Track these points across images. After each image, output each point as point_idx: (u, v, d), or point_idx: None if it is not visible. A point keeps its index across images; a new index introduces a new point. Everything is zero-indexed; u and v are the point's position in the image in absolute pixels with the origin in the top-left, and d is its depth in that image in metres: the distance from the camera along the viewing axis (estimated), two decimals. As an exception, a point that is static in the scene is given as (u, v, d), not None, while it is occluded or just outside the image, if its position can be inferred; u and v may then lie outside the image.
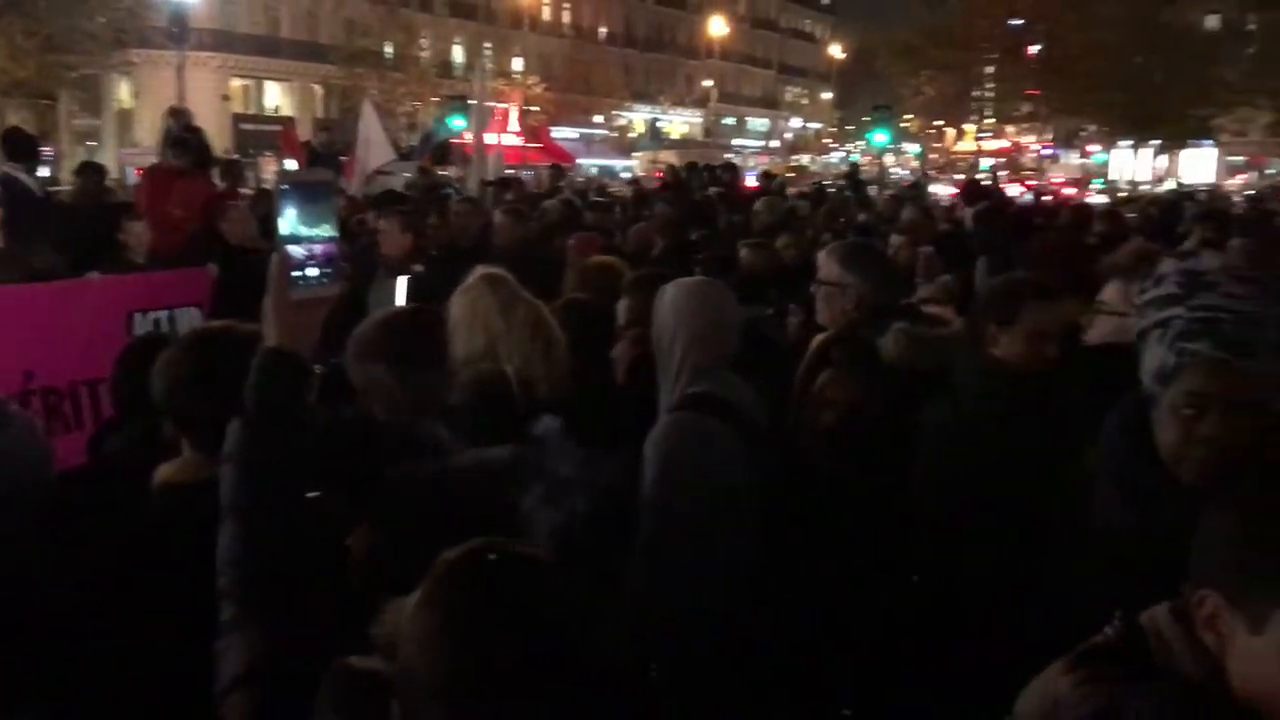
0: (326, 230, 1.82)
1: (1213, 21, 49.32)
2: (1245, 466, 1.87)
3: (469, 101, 18.67)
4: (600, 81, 55.93)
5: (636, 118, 62.22)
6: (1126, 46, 41.36)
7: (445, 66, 49.16)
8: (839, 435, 3.41)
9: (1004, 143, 63.15)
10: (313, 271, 1.80)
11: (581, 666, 1.28)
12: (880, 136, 27.09)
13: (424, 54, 48.01)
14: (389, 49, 45.81)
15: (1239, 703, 1.39)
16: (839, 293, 3.59)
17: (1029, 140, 58.50)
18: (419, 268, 5.76)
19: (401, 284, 5.08)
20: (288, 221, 1.79)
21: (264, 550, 1.72)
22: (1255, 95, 40.01)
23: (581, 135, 51.38)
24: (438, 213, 8.91)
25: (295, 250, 1.79)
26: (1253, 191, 30.95)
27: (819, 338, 3.71)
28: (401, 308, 3.24)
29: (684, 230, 7.24)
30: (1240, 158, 62.33)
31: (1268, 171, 59.35)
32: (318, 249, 1.81)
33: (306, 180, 1.87)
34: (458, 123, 18.57)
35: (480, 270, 3.78)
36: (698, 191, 12.21)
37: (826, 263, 3.67)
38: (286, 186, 1.81)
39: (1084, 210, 9.11)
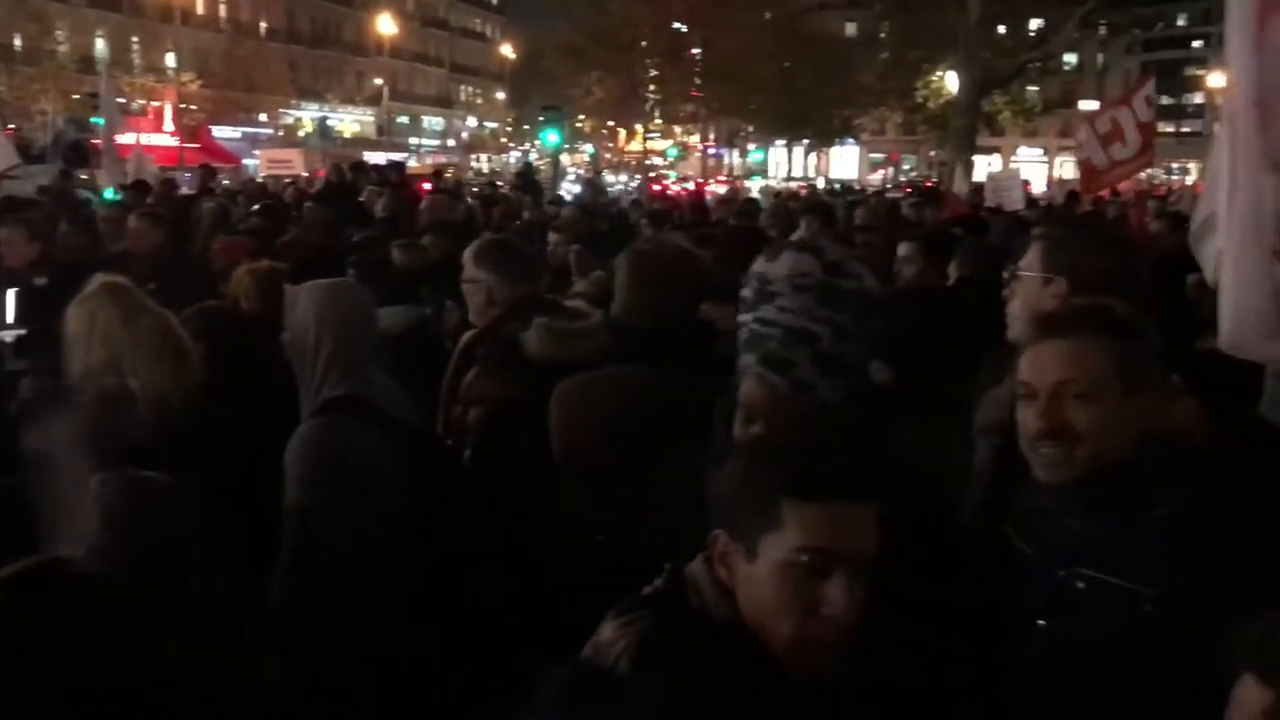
0: None
1: (850, 29, 53.69)
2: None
3: (118, 100, 17.24)
4: (263, 78, 53.37)
5: (305, 116, 59.94)
6: (774, 52, 44.16)
7: (87, 62, 45.29)
8: (485, 432, 3.44)
9: (670, 143, 65.92)
10: None
11: (145, 687, 1.22)
12: (552, 136, 27.64)
13: (61, 48, 44.01)
14: (18, 41, 41.69)
15: (749, 630, 1.56)
16: (474, 289, 3.62)
17: (695, 140, 61.35)
18: (43, 280, 5.29)
19: (10, 297, 4.64)
20: None
21: None
22: (888, 96, 43.78)
23: (245, 134, 48.94)
24: (71, 219, 8.22)
25: None
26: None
27: (465, 336, 3.73)
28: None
29: (340, 231, 7.05)
30: (880, 154, 68.40)
31: (904, 167, 65.40)
32: None
33: None
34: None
35: (100, 278, 3.53)
36: (365, 191, 11.93)
37: (465, 260, 3.70)
38: None
39: (700, 199, 9.54)
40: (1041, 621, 1.92)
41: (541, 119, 35.26)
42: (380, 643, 2.95)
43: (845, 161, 67.79)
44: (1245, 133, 3.48)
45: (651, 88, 48.14)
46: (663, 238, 5.52)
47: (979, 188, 13.50)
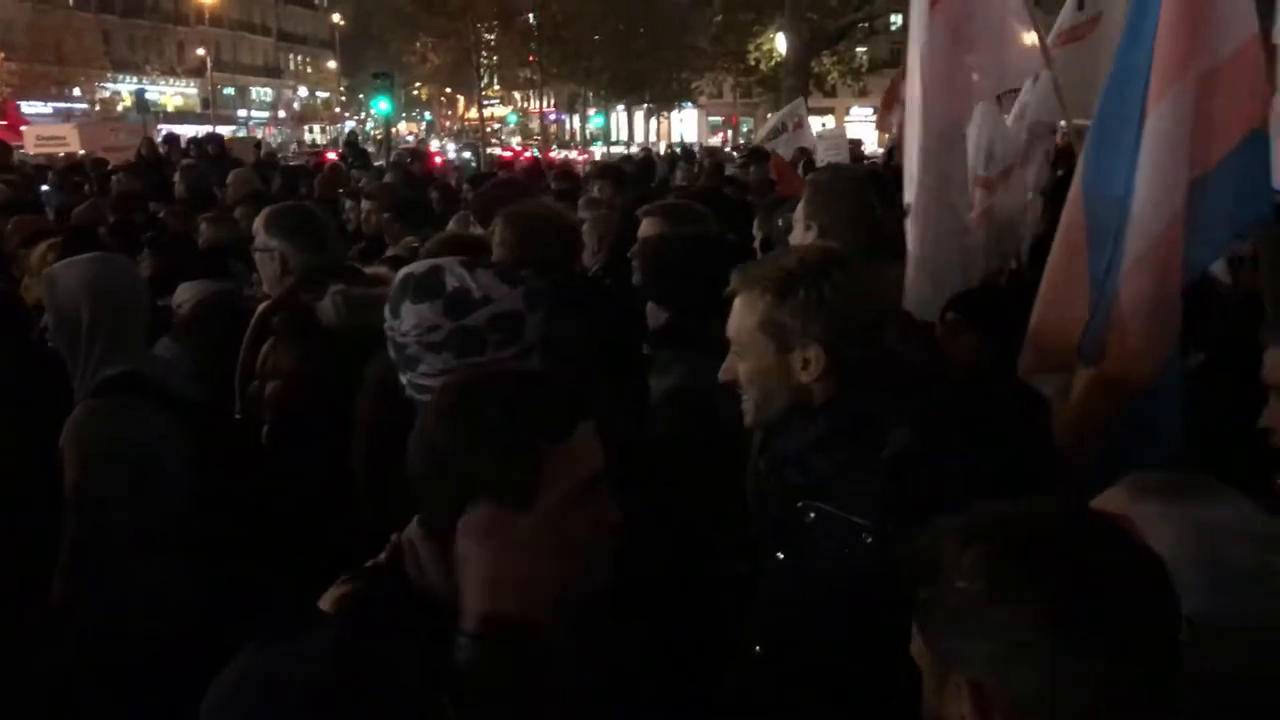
0: None
1: (685, -8, 53.86)
2: None
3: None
4: (74, 50, 50.44)
5: (123, 89, 56.95)
6: (608, 15, 43.97)
7: None
8: (284, 405, 3.34)
9: (510, 109, 65.24)
10: None
11: None
12: (384, 105, 27.00)
13: None
14: None
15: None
16: (267, 258, 3.50)
17: (535, 106, 60.87)
18: None
19: None
20: None
21: None
22: (722, 59, 44.07)
23: (57, 110, 46.29)
24: None
25: None
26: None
27: (260, 307, 3.61)
28: None
29: (144, 206, 6.73)
30: (719, 117, 69.10)
31: (743, 129, 66.24)
32: None
33: None
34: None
35: None
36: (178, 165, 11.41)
37: (257, 229, 3.57)
38: None
39: (536, 166, 9.55)
40: (780, 554, 1.99)
41: (374, 87, 34.30)
42: (169, 626, 2.85)
43: (686, 125, 68.29)
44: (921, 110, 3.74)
45: (486, 53, 47.36)
46: (539, 200, 5.55)
47: (805, 148, 13.73)
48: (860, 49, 44.77)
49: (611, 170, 7.67)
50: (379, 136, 38.62)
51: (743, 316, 2.02)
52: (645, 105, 60.20)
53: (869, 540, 1.85)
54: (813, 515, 1.93)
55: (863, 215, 2.76)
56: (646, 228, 4.11)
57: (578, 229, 3.66)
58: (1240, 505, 1.48)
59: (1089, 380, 2.76)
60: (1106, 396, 2.74)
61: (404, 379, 2.15)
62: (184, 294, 4.26)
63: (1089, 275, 2.81)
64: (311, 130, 70.70)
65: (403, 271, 2.23)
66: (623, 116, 66.82)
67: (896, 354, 2.03)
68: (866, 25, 36.27)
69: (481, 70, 46.22)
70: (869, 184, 2.91)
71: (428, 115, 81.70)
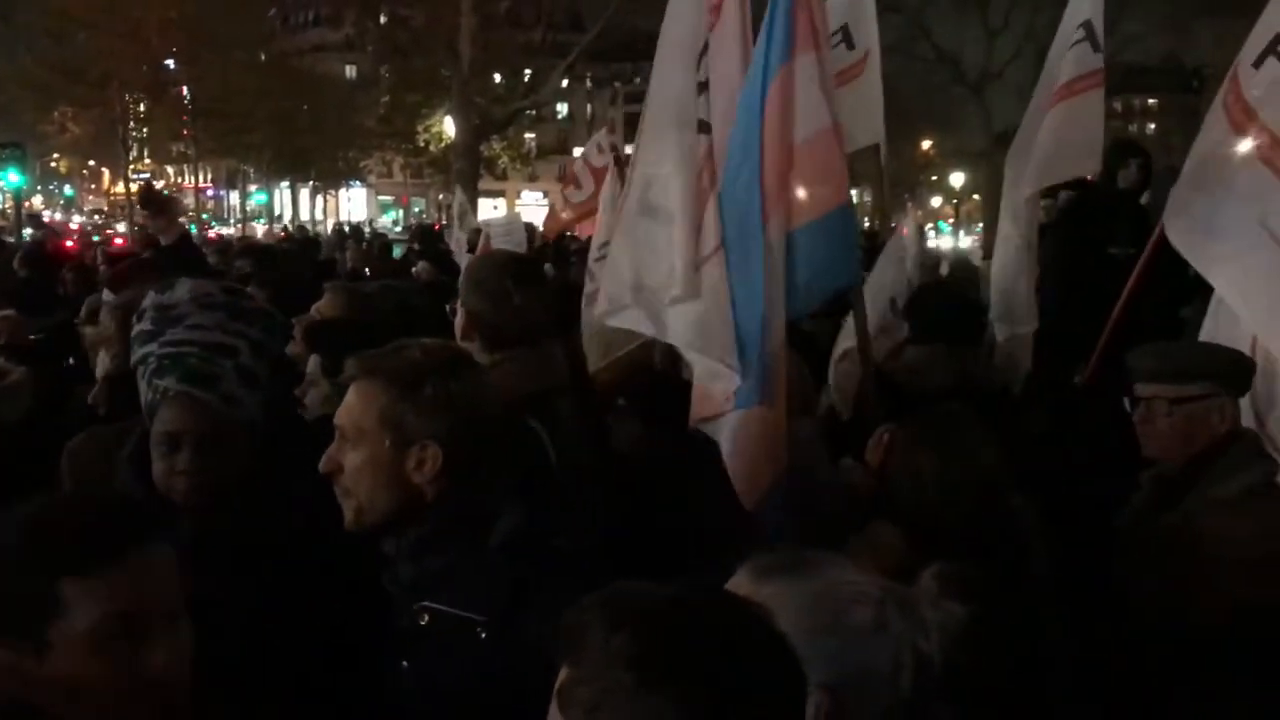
0: None
1: (351, 71, 53.28)
2: None
3: None
4: None
5: None
6: (268, 90, 42.51)
7: None
8: None
9: (161, 184, 61.61)
10: None
11: None
12: (13, 177, 24.80)
13: None
14: None
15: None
16: None
17: (190, 181, 57.82)
18: None
19: None
20: None
21: None
22: (390, 139, 43.90)
23: None
24: None
25: None
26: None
27: None
28: None
29: None
30: (389, 196, 68.60)
31: (414, 210, 66.02)
32: None
33: None
34: None
35: None
36: None
37: None
38: None
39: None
40: (405, 661, 1.90)
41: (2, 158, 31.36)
42: None
43: (355, 204, 67.18)
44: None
45: (135, 126, 44.40)
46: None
47: (478, 229, 13.74)
48: (529, 135, 46.05)
49: (255, 249, 7.53)
50: (8, 211, 35.24)
51: (360, 406, 1.87)
52: (310, 183, 58.64)
53: (484, 635, 1.79)
54: (428, 618, 1.85)
55: (503, 300, 2.90)
56: (327, 305, 4.20)
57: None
58: (850, 570, 1.54)
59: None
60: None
61: (147, 349, 2.08)
62: None
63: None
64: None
65: None
66: (287, 193, 64.70)
67: (510, 447, 1.97)
68: (534, 113, 37.30)
69: (129, 142, 43.26)
70: (508, 269, 3.06)
71: (69, 189, 75.75)
